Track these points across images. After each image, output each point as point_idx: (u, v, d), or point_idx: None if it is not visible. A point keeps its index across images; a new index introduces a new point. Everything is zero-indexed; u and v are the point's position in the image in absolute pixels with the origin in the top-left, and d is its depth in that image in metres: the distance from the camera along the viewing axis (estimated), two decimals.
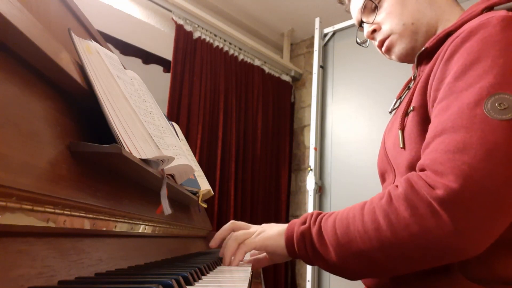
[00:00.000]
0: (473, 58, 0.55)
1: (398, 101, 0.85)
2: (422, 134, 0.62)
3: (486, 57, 0.54)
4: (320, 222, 0.62)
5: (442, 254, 0.51)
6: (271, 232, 0.70)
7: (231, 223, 0.78)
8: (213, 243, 0.79)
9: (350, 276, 0.61)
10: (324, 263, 0.61)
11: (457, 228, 0.48)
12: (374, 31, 0.80)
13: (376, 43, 0.81)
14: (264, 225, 0.74)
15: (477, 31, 0.57)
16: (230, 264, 0.71)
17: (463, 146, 0.50)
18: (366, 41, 0.89)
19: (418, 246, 0.51)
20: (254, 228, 0.75)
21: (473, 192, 0.47)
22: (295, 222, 0.67)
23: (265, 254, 0.77)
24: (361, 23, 0.84)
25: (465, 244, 0.49)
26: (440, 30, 0.74)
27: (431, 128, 0.57)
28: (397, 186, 0.55)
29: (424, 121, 0.63)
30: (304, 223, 0.65)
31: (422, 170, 0.54)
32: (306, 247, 0.63)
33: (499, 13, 0.58)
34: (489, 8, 0.64)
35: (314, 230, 0.62)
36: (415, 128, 0.64)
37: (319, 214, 0.65)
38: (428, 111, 0.63)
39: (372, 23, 0.79)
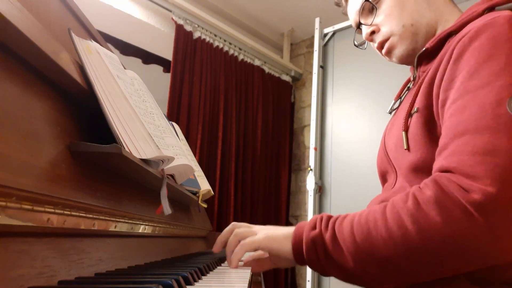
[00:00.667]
0: (486, 56, 0.54)
1: (398, 102, 0.84)
2: (427, 136, 0.62)
3: (499, 55, 0.53)
4: (333, 227, 0.59)
5: (474, 260, 0.50)
6: (277, 234, 0.66)
7: (232, 225, 0.74)
8: (216, 248, 0.75)
9: (368, 283, 0.58)
10: (339, 271, 0.58)
11: (494, 233, 0.47)
12: (373, 33, 0.79)
13: (375, 45, 0.81)
14: (267, 226, 0.71)
15: (485, 30, 0.56)
16: (231, 263, 0.68)
17: (493, 148, 0.48)
18: (364, 43, 0.88)
19: (451, 252, 0.49)
20: (256, 227, 0.71)
21: (510, 196, 0.46)
22: (303, 226, 0.63)
23: (267, 256, 0.74)
24: (359, 25, 0.83)
25: (499, 249, 0.48)
26: (440, 30, 0.74)
27: (448, 128, 0.55)
28: (421, 188, 0.53)
29: (429, 122, 0.62)
30: (314, 228, 0.61)
31: (447, 172, 0.52)
32: (317, 254, 0.59)
33: (504, 12, 0.58)
34: (491, 9, 0.64)
35: (327, 236, 0.58)
36: (419, 130, 0.63)
37: (329, 217, 0.61)
38: (434, 112, 0.62)
39: (371, 24, 0.78)
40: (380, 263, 0.54)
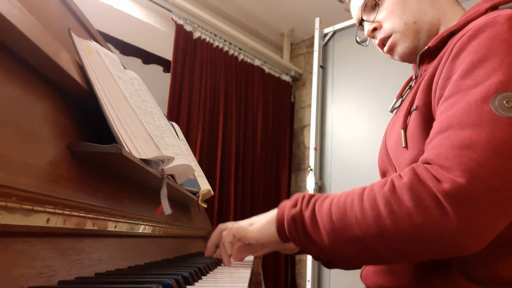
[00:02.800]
0: (481, 56, 0.55)
1: (400, 100, 0.84)
2: (425, 134, 0.62)
3: (495, 55, 0.54)
4: (314, 206, 0.61)
5: (442, 248, 0.51)
6: (261, 223, 0.68)
7: (218, 227, 0.77)
8: (207, 253, 0.79)
9: (342, 262, 0.60)
10: (316, 248, 0.60)
11: (461, 223, 0.48)
12: (374, 29, 0.79)
13: (376, 41, 0.81)
14: (252, 218, 0.73)
15: (484, 30, 0.56)
16: (230, 264, 0.71)
17: (470, 143, 0.50)
18: (366, 39, 0.87)
19: (419, 238, 0.50)
20: (240, 222, 0.73)
21: (480, 188, 0.47)
22: (285, 205, 0.65)
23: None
24: (361, 22, 0.83)
25: (467, 239, 0.49)
26: (442, 29, 0.74)
27: (436, 124, 0.56)
28: (400, 176, 0.54)
29: (428, 120, 0.63)
30: (295, 205, 0.63)
31: (427, 163, 0.54)
32: (297, 231, 0.61)
33: (506, 11, 0.58)
34: (494, 8, 0.64)
35: (306, 214, 0.60)
36: (418, 128, 0.63)
37: (311, 196, 0.63)
38: (432, 110, 0.62)
39: (373, 21, 0.78)
40: (354, 243, 0.55)
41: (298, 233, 0.60)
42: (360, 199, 0.56)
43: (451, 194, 0.48)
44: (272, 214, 0.67)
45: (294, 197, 0.65)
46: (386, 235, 0.52)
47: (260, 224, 0.68)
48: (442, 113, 0.56)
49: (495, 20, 0.56)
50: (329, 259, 0.60)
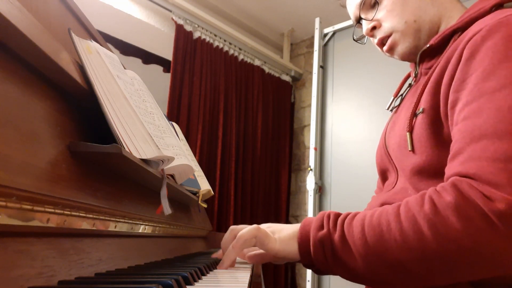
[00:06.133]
0: (501, 57, 0.52)
1: (399, 99, 0.83)
2: (432, 138, 0.60)
3: None
4: (342, 227, 0.57)
5: (492, 270, 0.49)
6: (283, 236, 0.63)
7: (230, 230, 0.70)
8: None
9: (376, 284, 0.57)
10: (346, 272, 0.56)
11: None
12: (373, 28, 0.77)
13: (375, 40, 0.78)
14: (270, 224, 0.68)
15: (498, 29, 0.54)
16: (228, 266, 0.66)
17: None
18: (364, 37, 0.85)
19: (468, 260, 0.48)
20: (263, 226, 0.67)
21: None
22: (309, 225, 0.60)
23: None
24: (359, 20, 0.80)
25: None
26: (443, 27, 0.72)
27: (462, 131, 0.53)
28: (439, 192, 0.50)
29: (435, 123, 0.60)
30: (322, 227, 0.58)
31: (468, 178, 0.50)
32: (325, 255, 0.57)
33: None
34: (499, 5, 0.62)
35: (336, 237, 0.56)
36: (425, 132, 0.61)
37: (337, 216, 0.59)
38: (441, 113, 0.60)
39: (372, 20, 0.76)
40: (392, 267, 0.52)
41: (326, 256, 0.57)
42: (398, 220, 0.52)
43: (506, 213, 0.44)
44: (295, 229, 0.63)
45: (319, 217, 0.61)
46: (431, 259, 0.49)
47: (283, 238, 0.63)
48: (467, 119, 0.53)
49: (508, 20, 0.55)
50: (361, 282, 0.58)
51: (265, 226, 0.67)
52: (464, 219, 0.47)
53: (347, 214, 0.59)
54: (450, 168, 0.53)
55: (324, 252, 0.57)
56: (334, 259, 0.56)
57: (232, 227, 0.70)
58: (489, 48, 0.54)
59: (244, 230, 0.64)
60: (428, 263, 0.49)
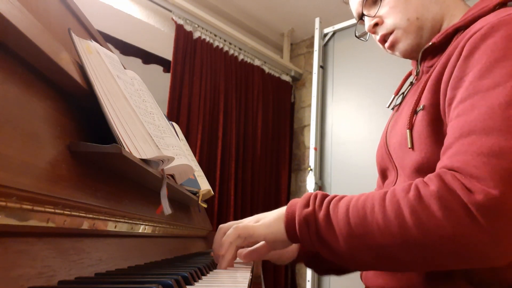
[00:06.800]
0: (499, 56, 0.52)
1: (400, 97, 0.82)
2: (432, 135, 0.60)
3: None
4: (328, 207, 0.57)
5: (470, 260, 0.49)
6: (269, 219, 0.64)
7: (220, 229, 0.70)
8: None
9: (357, 266, 0.57)
10: (329, 251, 0.57)
11: (494, 235, 0.46)
12: (376, 25, 0.77)
13: (377, 37, 0.78)
14: (255, 216, 0.68)
15: (499, 28, 0.54)
16: (226, 266, 0.66)
17: (499, 150, 0.47)
18: (366, 34, 0.85)
19: (447, 249, 0.48)
20: (245, 220, 0.69)
21: None
22: (295, 203, 0.61)
23: (262, 242, 0.69)
24: (361, 16, 0.80)
25: (498, 252, 0.48)
26: (446, 25, 0.72)
27: (454, 127, 0.54)
28: (426, 183, 0.51)
29: (435, 121, 0.61)
30: (307, 205, 0.59)
31: (453, 171, 0.51)
32: (310, 233, 0.57)
33: None
34: (502, 4, 0.62)
35: (320, 215, 0.56)
36: (425, 129, 0.61)
37: (324, 196, 0.60)
38: (441, 111, 0.60)
39: (374, 16, 0.76)
40: (373, 250, 0.53)
41: (310, 235, 0.57)
42: (382, 204, 0.53)
43: (484, 205, 0.46)
44: (281, 211, 0.63)
45: (305, 196, 0.61)
46: (411, 244, 0.50)
47: (268, 220, 0.64)
48: (460, 116, 0.54)
49: (510, 19, 0.54)
50: (342, 262, 0.58)
51: (249, 219, 0.68)
52: (445, 208, 0.48)
53: (335, 196, 0.60)
54: (440, 162, 0.55)
55: (308, 230, 0.57)
56: (318, 238, 0.57)
57: (220, 226, 0.71)
58: (488, 47, 0.54)
59: (225, 235, 0.65)
60: (409, 249, 0.50)
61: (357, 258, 0.55)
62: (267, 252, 0.68)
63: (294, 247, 0.84)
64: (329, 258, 0.58)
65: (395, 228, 0.50)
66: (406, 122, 0.66)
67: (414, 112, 0.65)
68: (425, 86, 0.65)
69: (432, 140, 0.60)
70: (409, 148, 0.64)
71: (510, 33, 0.53)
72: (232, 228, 0.65)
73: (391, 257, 0.52)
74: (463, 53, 0.57)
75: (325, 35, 2.34)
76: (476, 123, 0.50)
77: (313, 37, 2.71)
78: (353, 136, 2.12)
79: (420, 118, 0.63)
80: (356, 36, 0.88)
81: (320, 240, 0.57)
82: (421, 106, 0.63)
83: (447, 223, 0.47)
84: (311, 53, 3.00)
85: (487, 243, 0.47)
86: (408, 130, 0.65)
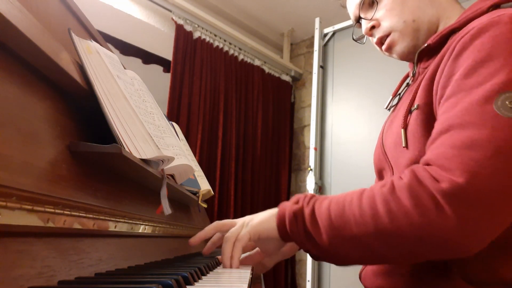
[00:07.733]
0: (484, 56, 0.54)
1: (396, 98, 0.83)
2: (427, 133, 0.61)
3: (498, 55, 0.53)
4: (313, 204, 0.60)
5: (439, 248, 0.51)
6: (261, 217, 0.67)
7: (215, 223, 0.73)
8: (193, 240, 0.74)
9: (339, 261, 0.59)
10: (315, 247, 0.59)
11: (460, 223, 0.47)
12: (373, 27, 0.78)
13: (374, 40, 0.79)
14: (250, 215, 0.70)
15: (488, 29, 0.55)
16: (231, 267, 0.67)
17: (471, 143, 0.49)
18: (363, 37, 0.86)
19: (416, 237, 0.50)
20: (240, 220, 0.70)
21: (479, 189, 0.47)
22: (287, 202, 0.64)
23: (256, 249, 0.73)
24: (358, 19, 0.81)
25: (465, 240, 0.49)
26: (442, 27, 0.73)
27: (438, 124, 0.56)
28: (401, 177, 0.54)
29: (429, 119, 0.62)
30: (297, 203, 0.62)
31: (427, 164, 0.53)
32: (298, 228, 0.60)
33: (510, 11, 0.57)
34: (496, 6, 0.63)
35: (307, 211, 0.60)
36: (419, 127, 0.62)
37: (313, 196, 0.63)
38: (434, 109, 0.61)
39: (371, 19, 0.77)
40: (351, 241, 0.55)
41: (299, 230, 0.60)
42: (359, 198, 0.56)
43: (449, 193, 0.47)
44: (274, 209, 0.66)
45: (296, 196, 0.65)
46: (384, 233, 0.52)
47: (262, 218, 0.66)
48: (443, 113, 0.56)
49: (500, 19, 0.55)
50: (327, 259, 0.60)
51: (243, 219, 0.70)
52: (413, 198, 0.50)
53: (323, 195, 0.63)
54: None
55: (297, 225, 0.60)
56: (305, 233, 0.59)
57: (220, 223, 0.73)
58: (476, 47, 0.55)
59: (238, 237, 0.67)
60: (382, 237, 0.52)
61: (338, 251, 0.57)
62: (261, 258, 0.71)
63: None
64: (316, 255, 0.60)
65: (368, 218, 0.53)
66: (401, 121, 0.67)
67: (409, 111, 0.66)
68: (419, 86, 0.66)
69: (426, 138, 0.61)
70: (404, 147, 0.65)
71: (497, 34, 0.54)
72: (243, 229, 0.67)
73: (368, 248, 0.54)
74: (453, 53, 0.58)
75: (325, 35, 2.34)
76: (455, 119, 0.53)
77: (313, 37, 2.71)
78: (353, 136, 2.12)
79: (414, 117, 0.64)
80: (353, 39, 0.89)
81: (307, 236, 0.59)
82: (415, 106, 0.65)
83: (415, 211, 0.49)
84: (311, 53, 3.00)
85: (453, 230, 0.48)
86: (402, 130, 0.66)
